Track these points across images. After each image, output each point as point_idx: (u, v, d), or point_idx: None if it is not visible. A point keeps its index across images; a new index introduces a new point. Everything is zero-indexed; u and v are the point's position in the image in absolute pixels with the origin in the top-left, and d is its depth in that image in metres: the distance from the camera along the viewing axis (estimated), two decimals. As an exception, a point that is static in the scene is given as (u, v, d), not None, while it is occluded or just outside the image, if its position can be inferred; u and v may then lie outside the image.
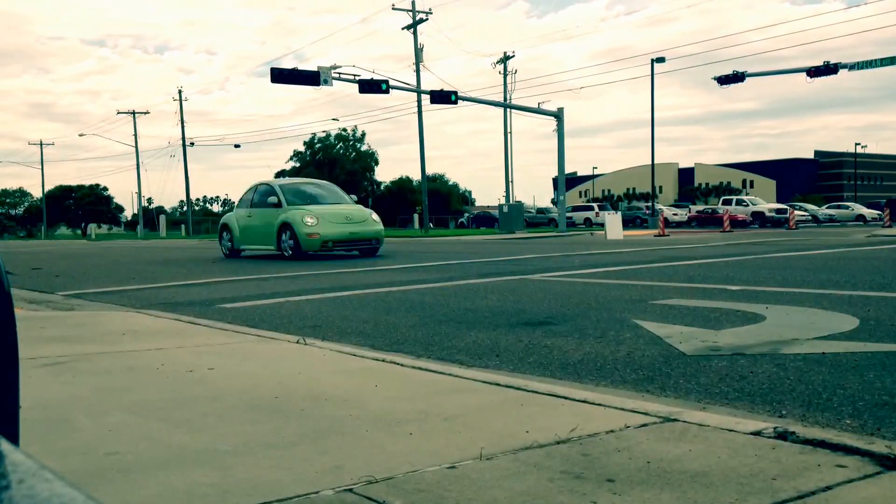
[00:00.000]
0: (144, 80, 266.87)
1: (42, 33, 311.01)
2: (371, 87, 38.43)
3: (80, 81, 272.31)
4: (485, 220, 64.64)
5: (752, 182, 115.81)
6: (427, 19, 48.86)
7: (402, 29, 49.23)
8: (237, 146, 75.31)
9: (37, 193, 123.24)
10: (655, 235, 33.34)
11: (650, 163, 56.82)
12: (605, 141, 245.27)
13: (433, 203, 65.97)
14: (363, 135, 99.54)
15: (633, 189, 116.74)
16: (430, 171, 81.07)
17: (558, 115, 44.26)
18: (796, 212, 48.92)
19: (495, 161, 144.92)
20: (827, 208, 65.21)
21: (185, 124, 72.56)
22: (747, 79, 39.37)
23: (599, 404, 3.20)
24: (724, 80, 39.87)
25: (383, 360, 4.40)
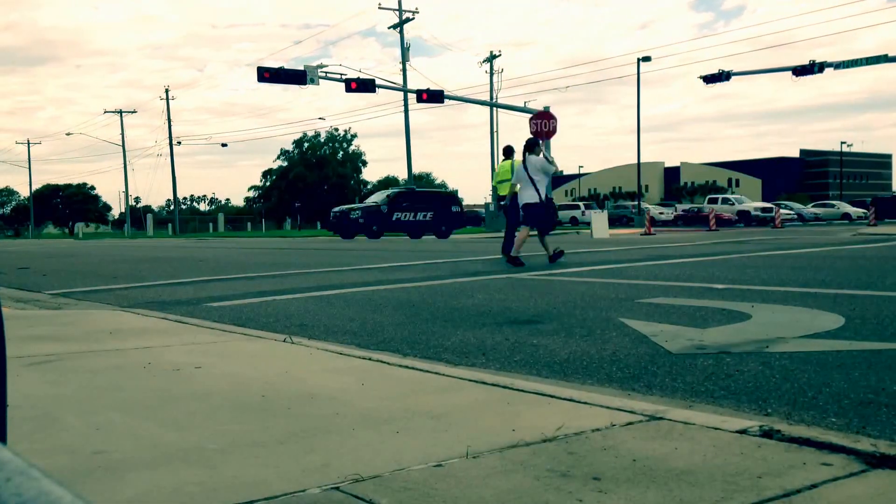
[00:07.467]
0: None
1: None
2: (358, 86, 38.32)
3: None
4: (471, 218, 64.47)
5: (737, 181, 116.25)
6: (413, 18, 48.77)
7: (389, 28, 49.16)
8: (224, 145, 75.40)
9: (24, 192, 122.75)
10: (641, 234, 33.43)
11: (636, 161, 57.00)
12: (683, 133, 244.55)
13: (421, 202, 65.70)
14: (353, 136, 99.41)
15: (620, 188, 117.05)
16: (416, 170, 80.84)
17: (546, 114, 44.24)
18: (782, 210, 49.14)
19: (482, 160, 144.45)
20: (813, 207, 65.47)
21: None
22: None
23: (586, 403, 3.21)
24: (709, 79, 40.02)
25: (370, 359, 4.40)
